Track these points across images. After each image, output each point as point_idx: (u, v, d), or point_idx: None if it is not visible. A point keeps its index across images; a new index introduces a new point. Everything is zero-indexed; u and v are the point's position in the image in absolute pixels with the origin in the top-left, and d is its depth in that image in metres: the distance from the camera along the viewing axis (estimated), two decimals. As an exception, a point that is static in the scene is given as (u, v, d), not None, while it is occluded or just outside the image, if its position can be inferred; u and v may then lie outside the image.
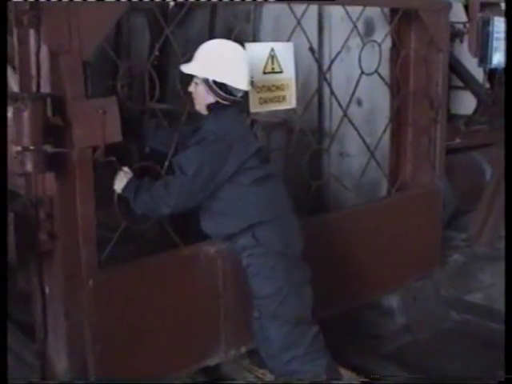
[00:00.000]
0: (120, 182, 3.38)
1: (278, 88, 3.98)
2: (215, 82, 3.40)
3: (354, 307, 4.57)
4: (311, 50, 4.15)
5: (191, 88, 3.51)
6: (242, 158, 3.42)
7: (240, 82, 3.45)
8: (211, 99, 3.46)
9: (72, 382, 3.23)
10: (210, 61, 3.41)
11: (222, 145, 3.36)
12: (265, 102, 3.93)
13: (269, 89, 3.92)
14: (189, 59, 3.48)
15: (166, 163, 3.49)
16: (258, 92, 3.82)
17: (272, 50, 3.91)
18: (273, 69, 3.93)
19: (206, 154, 3.35)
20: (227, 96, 3.44)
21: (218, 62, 3.40)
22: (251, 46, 3.81)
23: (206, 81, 3.42)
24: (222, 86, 3.41)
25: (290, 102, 4.10)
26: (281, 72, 3.97)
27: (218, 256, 3.66)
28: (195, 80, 3.48)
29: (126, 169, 3.42)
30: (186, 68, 3.46)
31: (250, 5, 5.10)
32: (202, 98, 3.49)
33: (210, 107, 3.49)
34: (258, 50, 3.85)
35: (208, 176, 3.35)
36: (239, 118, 3.59)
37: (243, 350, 3.89)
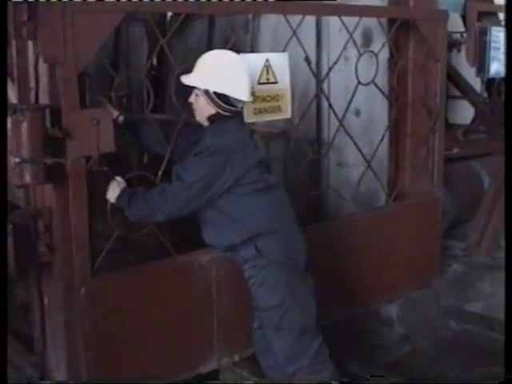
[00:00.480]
0: (113, 192, 3.36)
1: (273, 98, 3.98)
2: (216, 93, 3.38)
3: (353, 316, 4.56)
4: (307, 60, 4.15)
5: (191, 99, 3.48)
6: (240, 171, 3.39)
7: (241, 93, 3.42)
8: (212, 110, 3.43)
9: (68, 382, 3.24)
10: (210, 72, 3.38)
11: (220, 157, 3.33)
12: (260, 112, 3.93)
13: (264, 99, 3.92)
14: (189, 70, 3.47)
15: (160, 172, 3.49)
16: (253, 102, 3.81)
17: (267, 60, 3.92)
18: (268, 79, 3.93)
19: (204, 166, 3.32)
20: (228, 107, 3.41)
21: (219, 73, 3.38)
22: (246, 57, 3.80)
23: (206, 92, 3.39)
24: (223, 97, 3.38)
25: (286, 112, 4.10)
26: (276, 82, 3.97)
27: (212, 265, 3.66)
28: (196, 91, 3.44)
29: (118, 178, 3.39)
30: (187, 79, 3.43)
31: (248, 15, 5.12)
32: (203, 110, 3.45)
33: (210, 119, 3.46)
34: (253, 61, 3.84)
35: (204, 186, 3.33)
36: (240, 129, 3.54)
37: (236, 358, 3.88)
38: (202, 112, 3.47)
